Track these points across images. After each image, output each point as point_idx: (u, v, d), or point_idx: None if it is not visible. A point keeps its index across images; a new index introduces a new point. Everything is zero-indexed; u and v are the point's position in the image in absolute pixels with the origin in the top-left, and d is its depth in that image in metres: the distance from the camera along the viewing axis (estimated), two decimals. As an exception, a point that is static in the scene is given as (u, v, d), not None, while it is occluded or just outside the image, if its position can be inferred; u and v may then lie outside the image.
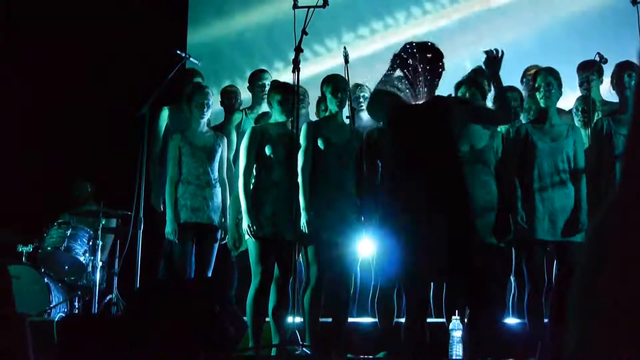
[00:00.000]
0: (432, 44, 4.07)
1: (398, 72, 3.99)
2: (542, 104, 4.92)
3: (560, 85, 4.89)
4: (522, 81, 5.83)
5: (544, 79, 4.85)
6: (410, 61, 3.96)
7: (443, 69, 4.06)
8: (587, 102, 5.52)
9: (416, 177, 3.90)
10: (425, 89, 3.98)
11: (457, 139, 4.16)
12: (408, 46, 4.01)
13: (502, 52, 4.15)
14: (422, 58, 3.97)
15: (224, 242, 5.44)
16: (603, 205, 1.03)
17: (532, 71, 5.56)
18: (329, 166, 4.93)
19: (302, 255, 4.99)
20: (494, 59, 4.12)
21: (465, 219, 3.90)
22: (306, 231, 4.78)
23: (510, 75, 5.79)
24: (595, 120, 5.24)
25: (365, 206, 4.91)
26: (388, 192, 4.06)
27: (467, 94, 4.84)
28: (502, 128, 5.16)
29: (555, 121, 4.90)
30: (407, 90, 3.96)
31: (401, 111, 4.00)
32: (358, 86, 5.76)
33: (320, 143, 4.95)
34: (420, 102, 4.00)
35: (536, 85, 4.91)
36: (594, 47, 5.81)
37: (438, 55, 4.05)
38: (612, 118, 5.06)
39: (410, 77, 3.96)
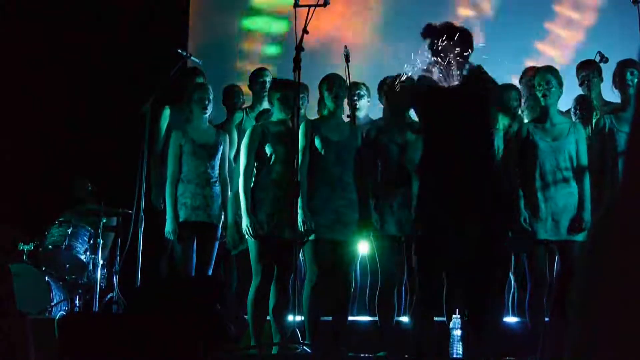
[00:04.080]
0: (460, 27, 4.07)
1: (430, 57, 4.00)
2: (542, 103, 4.91)
3: (560, 84, 4.88)
4: (520, 81, 5.82)
5: (543, 77, 4.85)
6: (441, 45, 3.96)
7: (472, 49, 4.06)
8: (584, 102, 5.52)
9: (451, 162, 3.90)
10: (458, 72, 3.98)
11: (491, 119, 4.17)
12: (436, 29, 4.01)
13: None
14: (452, 40, 3.97)
15: (224, 240, 5.44)
16: (605, 204, 1.03)
17: (531, 72, 5.55)
18: (328, 164, 4.93)
19: (302, 253, 5.00)
20: None
21: (497, 211, 3.93)
22: (302, 230, 4.78)
23: (511, 75, 5.80)
24: (596, 119, 5.23)
25: (363, 205, 4.91)
26: (424, 174, 4.06)
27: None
28: (501, 127, 5.17)
29: (556, 120, 4.89)
30: (440, 75, 3.97)
31: (436, 95, 4.00)
32: (355, 85, 5.76)
33: (317, 141, 4.96)
34: (454, 84, 3.99)
35: (535, 84, 4.91)
36: (595, 46, 5.81)
37: (467, 36, 4.04)
38: (615, 116, 5.05)
39: (442, 61, 3.96)
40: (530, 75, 5.58)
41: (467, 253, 3.88)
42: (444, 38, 3.96)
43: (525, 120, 5.30)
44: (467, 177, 3.89)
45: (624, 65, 5.10)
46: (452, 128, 3.95)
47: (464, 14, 7.33)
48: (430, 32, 4.02)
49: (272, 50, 7.53)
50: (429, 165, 4.02)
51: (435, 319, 5.06)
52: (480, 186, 3.91)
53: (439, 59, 3.98)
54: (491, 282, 3.98)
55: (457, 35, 3.99)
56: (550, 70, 4.91)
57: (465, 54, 4.01)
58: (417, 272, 4.13)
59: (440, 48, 3.97)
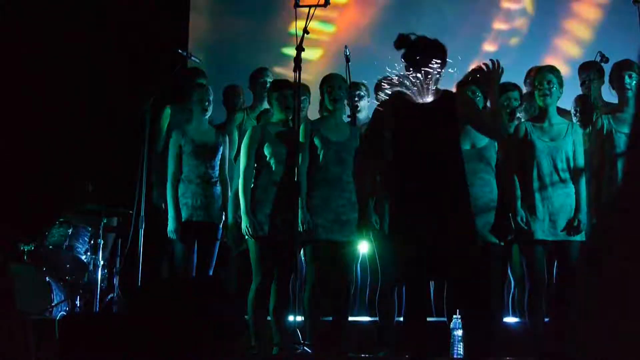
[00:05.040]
0: (435, 40, 4.03)
1: (405, 71, 3.97)
2: (540, 103, 4.91)
3: (561, 84, 4.87)
4: (525, 82, 5.82)
5: (545, 77, 4.84)
6: (417, 59, 3.93)
7: (445, 63, 4.00)
8: (584, 102, 5.51)
9: (419, 176, 3.89)
10: (433, 87, 3.96)
11: (460, 136, 4.12)
12: (412, 42, 3.98)
13: (499, 64, 4.05)
14: (428, 54, 3.93)
15: (225, 240, 5.44)
16: (604, 204, 1.03)
17: (533, 72, 5.54)
18: (327, 165, 4.94)
19: (303, 254, 5.00)
20: (489, 73, 4.05)
21: (465, 219, 3.89)
22: (301, 230, 4.79)
23: (512, 76, 5.80)
24: (595, 119, 5.23)
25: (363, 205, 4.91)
26: (391, 187, 4.05)
27: (468, 94, 4.82)
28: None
29: (554, 120, 4.89)
30: (415, 88, 3.94)
31: (407, 110, 3.97)
32: (356, 85, 5.77)
33: (317, 142, 4.96)
34: (428, 99, 3.96)
35: (536, 83, 4.90)
36: (595, 46, 5.80)
37: (442, 50, 4.01)
38: (613, 116, 5.04)
39: (418, 75, 3.93)
40: (533, 75, 5.58)
41: (445, 256, 3.86)
42: (418, 51, 3.93)
43: (522, 120, 5.30)
44: (435, 190, 3.87)
45: (621, 68, 5.08)
46: (417, 142, 3.93)
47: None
48: (404, 44, 3.99)
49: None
50: (396, 178, 4.00)
51: (436, 319, 5.07)
52: (448, 194, 3.89)
53: (413, 72, 3.94)
54: (480, 282, 3.94)
55: (430, 49, 3.96)
56: (551, 70, 4.90)
57: (438, 67, 3.96)
58: (403, 278, 4.13)
59: (414, 61, 3.94)
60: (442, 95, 3.99)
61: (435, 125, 3.93)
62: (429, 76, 3.92)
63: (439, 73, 3.96)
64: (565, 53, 7.16)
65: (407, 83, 3.95)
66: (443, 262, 3.85)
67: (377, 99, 5.52)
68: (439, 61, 3.93)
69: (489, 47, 7.33)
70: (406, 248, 3.87)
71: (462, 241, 3.83)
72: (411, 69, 3.95)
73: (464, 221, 3.87)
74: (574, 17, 7.37)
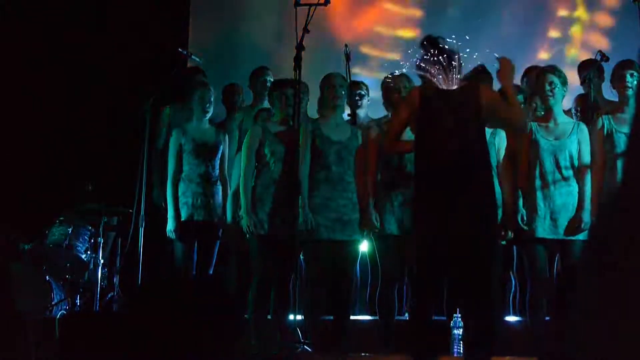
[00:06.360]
0: (454, 46, 4.11)
1: (432, 57, 4.02)
2: (544, 105, 4.90)
3: (564, 83, 4.86)
4: (522, 81, 5.81)
5: (546, 79, 4.83)
6: (444, 47, 3.98)
7: (459, 68, 4.08)
8: (584, 101, 5.51)
9: (443, 161, 3.91)
10: (458, 75, 4.00)
11: (485, 124, 4.16)
12: (434, 41, 4.05)
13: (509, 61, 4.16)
14: (445, 56, 4.01)
15: (226, 239, 5.44)
16: (604, 204, 1.03)
17: (533, 72, 5.53)
18: (328, 164, 4.94)
19: (303, 253, 5.00)
20: (509, 67, 4.13)
21: (490, 209, 3.94)
22: (303, 229, 4.79)
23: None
24: (595, 119, 5.22)
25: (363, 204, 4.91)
26: (415, 176, 4.08)
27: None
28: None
29: (560, 119, 4.88)
30: (440, 76, 3.98)
31: (432, 96, 4.02)
32: (356, 84, 5.77)
33: (318, 141, 4.96)
34: (453, 87, 4.01)
35: (539, 84, 4.89)
36: (595, 45, 5.79)
37: (455, 56, 4.07)
38: (613, 116, 5.04)
39: (444, 62, 3.98)
40: (532, 74, 5.57)
41: (461, 252, 3.88)
42: (446, 48, 4.01)
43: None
44: (461, 180, 3.89)
45: (622, 67, 5.07)
46: (445, 129, 3.96)
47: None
48: (428, 44, 4.06)
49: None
50: (421, 167, 4.04)
51: (436, 318, 5.07)
52: (474, 186, 3.92)
53: (442, 65, 4.01)
54: (486, 280, 3.95)
55: (447, 52, 4.03)
56: (552, 71, 4.89)
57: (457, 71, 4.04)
58: (414, 277, 4.14)
59: (445, 59, 4.01)
60: (467, 85, 4.04)
61: (461, 111, 3.97)
62: (453, 64, 3.97)
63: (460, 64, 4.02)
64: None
65: (433, 71, 4.01)
66: (456, 252, 3.87)
67: (383, 97, 5.52)
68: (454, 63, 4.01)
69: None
70: (423, 237, 3.90)
71: (479, 230, 3.86)
72: (432, 58, 4.01)
73: (483, 210, 3.90)
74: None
